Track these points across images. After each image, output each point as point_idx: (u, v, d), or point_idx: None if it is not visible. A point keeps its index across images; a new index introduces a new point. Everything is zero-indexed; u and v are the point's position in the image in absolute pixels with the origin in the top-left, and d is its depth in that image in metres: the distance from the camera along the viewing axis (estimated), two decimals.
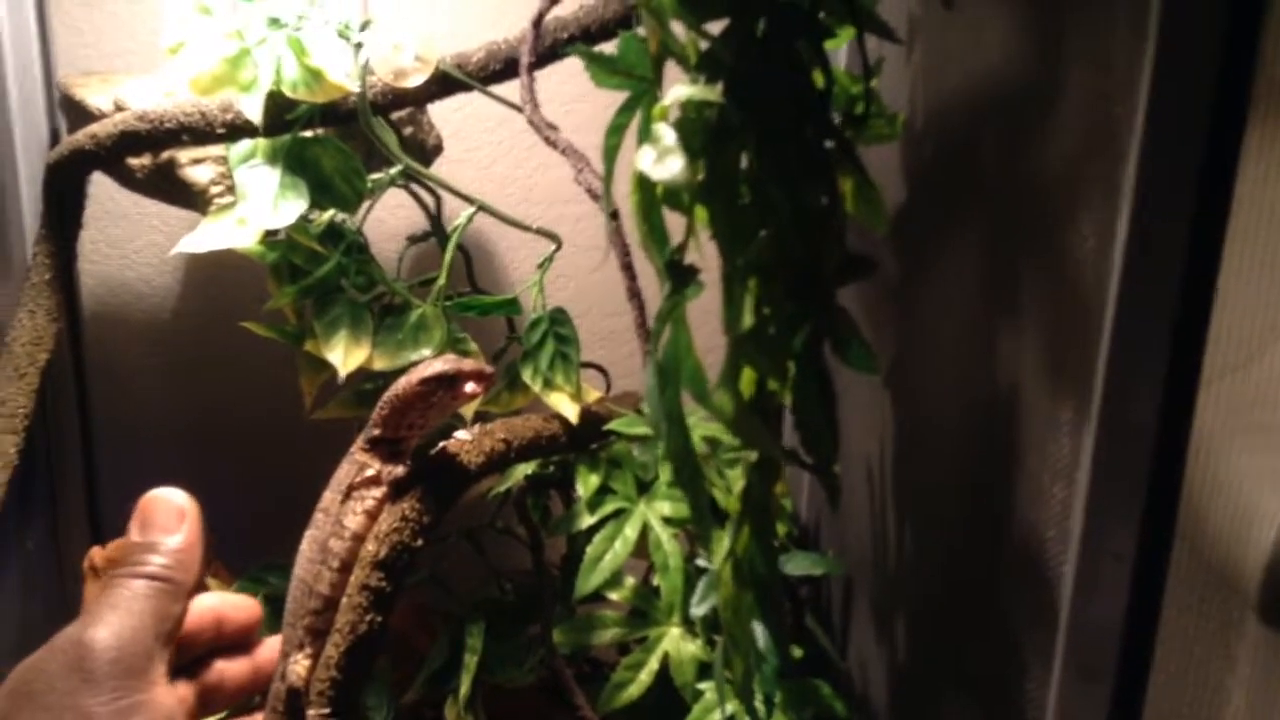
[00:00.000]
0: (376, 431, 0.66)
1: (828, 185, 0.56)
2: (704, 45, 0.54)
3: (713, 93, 0.52)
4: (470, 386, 0.65)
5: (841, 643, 0.87)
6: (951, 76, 0.66)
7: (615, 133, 0.55)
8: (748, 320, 0.53)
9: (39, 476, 1.00)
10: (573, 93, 1.03)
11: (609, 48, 0.65)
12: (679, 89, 0.53)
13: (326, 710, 0.63)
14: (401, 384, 0.65)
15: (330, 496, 0.67)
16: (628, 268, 0.68)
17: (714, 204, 0.54)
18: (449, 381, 0.65)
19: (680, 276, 0.55)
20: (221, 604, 0.63)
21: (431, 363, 0.66)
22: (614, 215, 0.70)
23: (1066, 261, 0.51)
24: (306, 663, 0.64)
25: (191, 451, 1.10)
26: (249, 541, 0.89)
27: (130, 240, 1.07)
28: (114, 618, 0.54)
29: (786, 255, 0.56)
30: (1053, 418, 0.51)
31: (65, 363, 1.00)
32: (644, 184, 0.54)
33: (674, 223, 0.56)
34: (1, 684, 0.53)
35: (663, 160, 0.50)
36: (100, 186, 0.94)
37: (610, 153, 0.55)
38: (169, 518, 0.59)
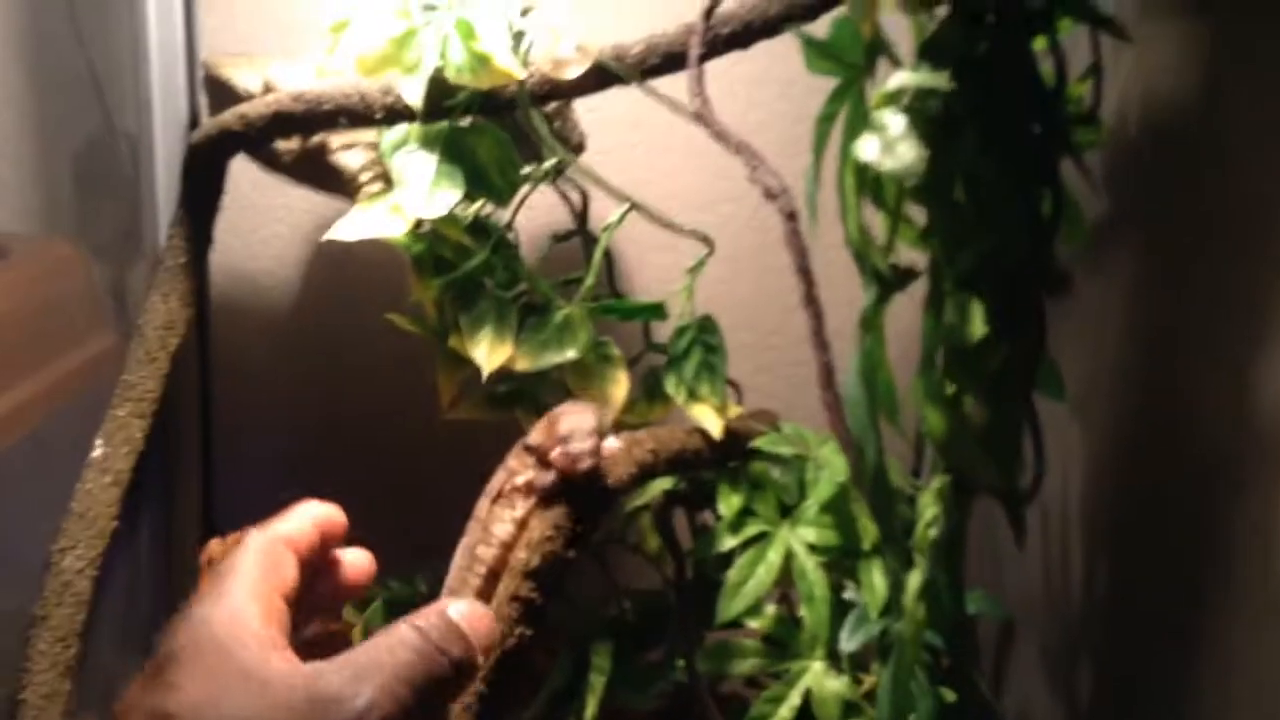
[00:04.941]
0: (533, 440, 0.63)
1: (1055, 189, 0.52)
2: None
3: (939, 79, 0.48)
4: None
5: (994, 689, 0.81)
6: (1165, 86, 0.60)
7: (826, 120, 0.51)
8: (978, 330, 0.48)
9: (155, 464, 0.98)
10: (713, 94, 0.99)
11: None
12: (902, 75, 0.49)
13: None
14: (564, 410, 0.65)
15: (483, 504, 0.64)
16: (804, 271, 0.64)
17: (935, 202, 0.50)
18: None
19: (895, 281, 0.50)
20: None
21: (583, 414, 0.65)
22: (791, 216, 0.66)
23: None
24: None
25: (309, 448, 1.08)
26: (367, 544, 0.85)
27: (255, 231, 1.05)
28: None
29: (1004, 262, 0.51)
30: None
31: (190, 351, 0.98)
32: (861, 177, 0.49)
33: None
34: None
35: (891, 150, 0.46)
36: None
37: (820, 141, 0.51)
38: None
